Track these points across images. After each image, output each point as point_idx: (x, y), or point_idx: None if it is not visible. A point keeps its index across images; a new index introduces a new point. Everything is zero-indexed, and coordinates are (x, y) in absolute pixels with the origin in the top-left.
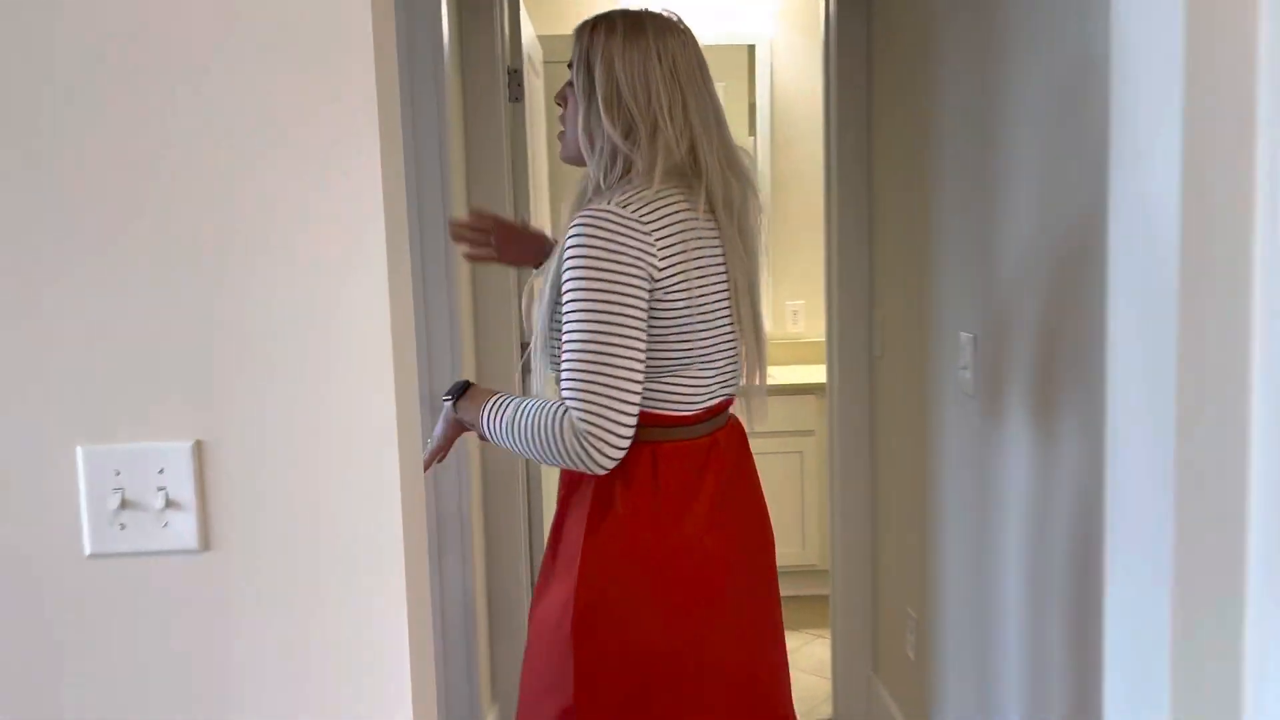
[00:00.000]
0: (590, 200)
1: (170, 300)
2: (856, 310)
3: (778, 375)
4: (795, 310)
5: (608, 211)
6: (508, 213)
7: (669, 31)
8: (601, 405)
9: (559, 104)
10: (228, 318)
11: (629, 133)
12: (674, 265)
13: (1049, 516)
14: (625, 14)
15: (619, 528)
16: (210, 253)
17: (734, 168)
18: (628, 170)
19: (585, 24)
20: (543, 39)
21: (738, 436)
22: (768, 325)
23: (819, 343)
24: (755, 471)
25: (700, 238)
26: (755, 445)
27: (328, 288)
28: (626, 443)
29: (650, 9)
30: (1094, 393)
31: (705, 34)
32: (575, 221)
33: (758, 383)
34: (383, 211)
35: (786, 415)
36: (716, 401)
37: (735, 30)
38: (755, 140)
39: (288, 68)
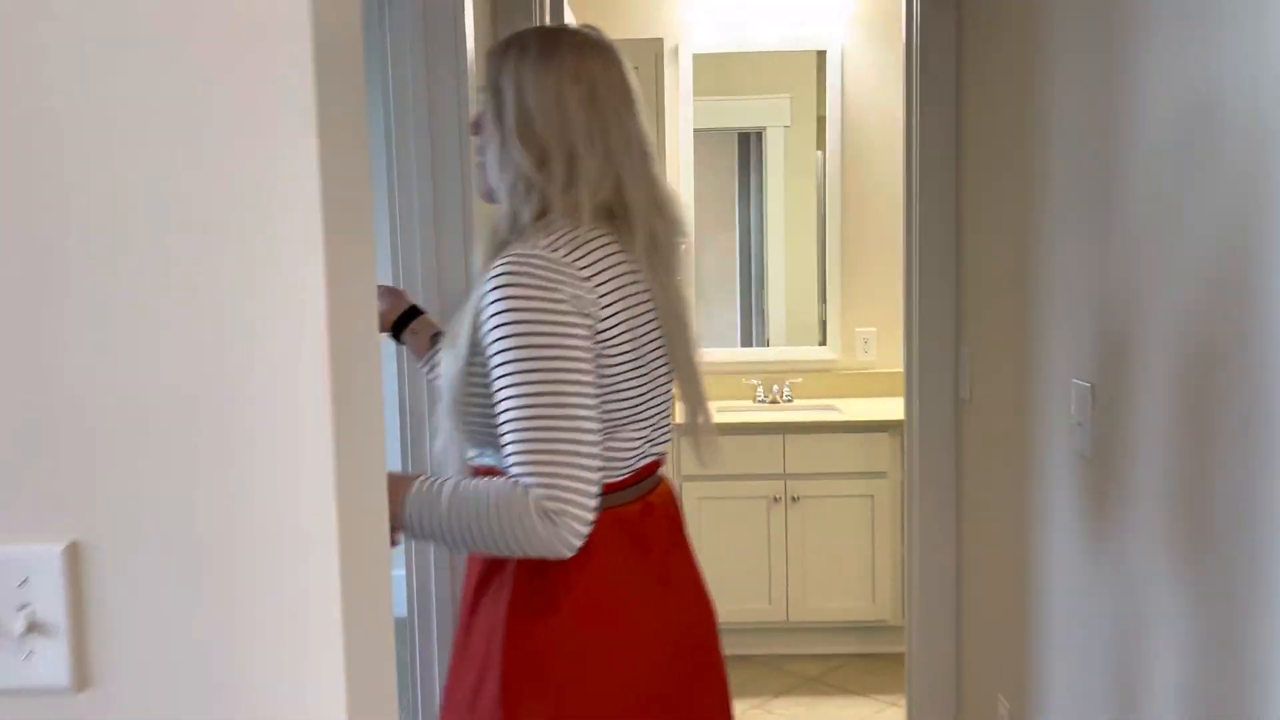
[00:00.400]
0: (509, 243)
1: (33, 358)
2: (940, 345)
3: (846, 409)
4: (866, 338)
5: (535, 256)
6: None
7: (589, 51)
8: (566, 477)
9: (473, 133)
10: (115, 382)
11: (543, 162)
12: (616, 314)
13: (1195, 624)
14: (541, 32)
15: (547, 614)
16: (88, 299)
17: (662, 209)
18: (545, 208)
19: (497, 45)
20: None
21: (670, 499)
22: (836, 353)
23: (892, 374)
24: (687, 536)
25: (635, 282)
26: (822, 487)
27: (247, 343)
28: (595, 510)
29: (572, 26)
30: (1267, 464)
31: (770, 39)
32: (497, 269)
33: (701, 421)
34: (322, 241)
35: (857, 454)
36: (646, 462)
37: (803, 35)
38: (823, 155)
39: (195, 65)
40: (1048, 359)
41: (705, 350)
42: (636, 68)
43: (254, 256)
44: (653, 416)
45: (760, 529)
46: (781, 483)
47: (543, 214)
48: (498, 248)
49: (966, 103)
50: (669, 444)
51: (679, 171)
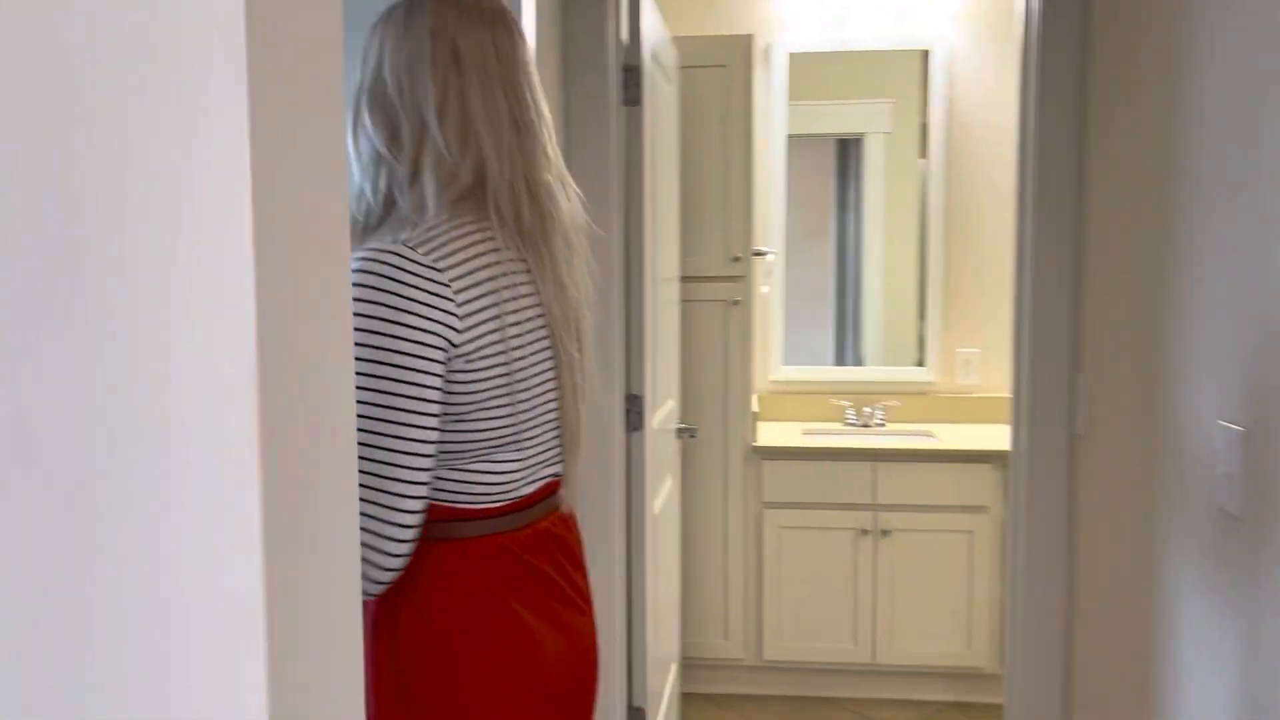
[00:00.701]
0: (371, 230)
1: None
2: (1054, 372)
3: (944, 436)
4: (968, 359)
5: (392, 253)
6: (614, 231)
7: (463, 11)
8: (369, 513)
9: None
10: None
11: (394, 135)
12: (482, 324)
13: None
14: None
15: (405, 656)
16: None
17: (534, 195)
18: (391, 194)
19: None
20: (680, 41)
21: (568, 528)
22: (934, 375)
23: (996, 399)
24: (584, 576)
25: (514, 285)
26: (915, 520)
27: (152, 380)
28: (402, 557)
29: None
30: None
31: (871, 38)
32: (352, 264)
33: (572, 461)
34: (252, 261)
35: (955, 486)
36: (534, 488)
37: (906, 33)
38: (926, 164)
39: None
40: (1187, 396)
41: (793, 366)
42: (723, 66)
43: (173, 266)
44: (539, 437)
45: (847, 563)
46: (871, 514)
47: (390, 202)
48: (358, 236)
49: (1092, 104)
50: (563, 467)
51: (770, 178)
